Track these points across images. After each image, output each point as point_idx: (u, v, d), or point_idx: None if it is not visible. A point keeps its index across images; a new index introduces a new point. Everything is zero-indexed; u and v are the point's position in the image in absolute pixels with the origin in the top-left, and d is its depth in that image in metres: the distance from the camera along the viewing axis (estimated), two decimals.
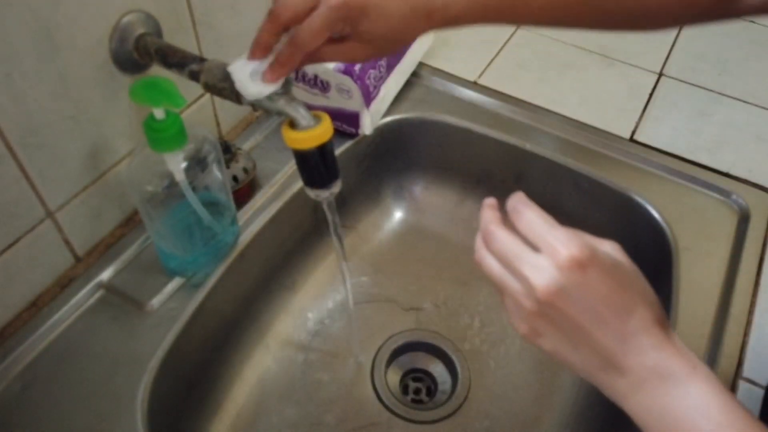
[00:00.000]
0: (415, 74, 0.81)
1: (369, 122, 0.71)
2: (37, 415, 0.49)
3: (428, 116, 0.78)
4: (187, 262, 0.57)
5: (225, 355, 0.65)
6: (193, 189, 0.50)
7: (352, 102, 0.68)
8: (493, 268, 0.35)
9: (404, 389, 0.70)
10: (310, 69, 0.67)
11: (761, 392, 0.53)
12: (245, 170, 0.63)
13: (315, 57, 0.45)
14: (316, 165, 0.45)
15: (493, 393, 0.68)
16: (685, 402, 0.32)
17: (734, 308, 0.60)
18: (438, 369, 0.71)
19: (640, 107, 0.80)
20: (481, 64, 0.85)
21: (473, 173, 0.80)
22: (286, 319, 0.72)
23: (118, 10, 0.50)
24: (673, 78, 0.85)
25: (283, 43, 0.43)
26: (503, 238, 0.34)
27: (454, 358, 0.70)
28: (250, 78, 0.43)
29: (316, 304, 0.74)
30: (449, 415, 0.66)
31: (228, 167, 0.62)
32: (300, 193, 0.68)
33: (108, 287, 0.57)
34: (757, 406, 0.52)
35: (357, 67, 0.66)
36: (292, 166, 0.69)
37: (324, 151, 0.45)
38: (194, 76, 0.47)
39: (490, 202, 0.37)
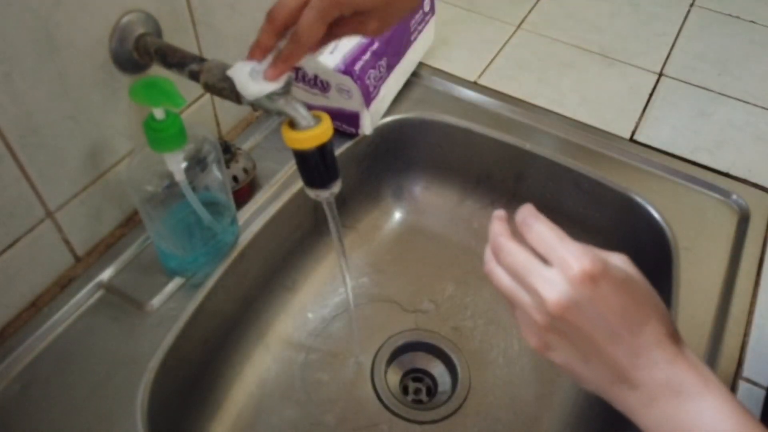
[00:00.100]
0: (415, 74, 0.81)
1: (369, 122, 0.71)
2: (37, 415, 0.49)
3: (428, 116, 0.77)
4: (187, 262, 0.57)
5: (225, 355, 0.65)
6: (193, 189, 0.50)
7: (352, 102, 0.68)
8: (504, 281, 0.35)
9: (404, 389, 0.70)
10: (310, 69, 0.67)
11: (761, 392, 0.53)
12: (245, 170, 0.63)
13: (325, 39, 0.44)
14: (316, 165, 0.45)
15: (494, 393, 0.68)
16: (697, 417, 0.32)
17: (734, 308, 0.60)
18: (438, 369, 0.71)
19: (640, 107, 0.80)
20: (481, 64, 0.85)
21: (473, 173, 0.80)
22: (286, 319, 0.72)
23: (117, 10, 0.50)
24: (673, 78, 0.85)
25: (283, 43, 0.43)
26: (514, 251, 0.34)
27: (454, 358, 0.70)
28: (250, 77, 0.43)
29: (316, 304, 0.74)
30: (449, 415, 0.66)
31: (228, 167, 0.62)
32: (300, 193, 0.67)
33: (108, 287, 0.57)
34: (757, 406, 0.52)
35: (357, 67, 0.66)
36: (292, 166, 0.69)
37: (324, 151, 0.44)
38: (194, 76, 0.47)
39: (500, 214, 0.37)
